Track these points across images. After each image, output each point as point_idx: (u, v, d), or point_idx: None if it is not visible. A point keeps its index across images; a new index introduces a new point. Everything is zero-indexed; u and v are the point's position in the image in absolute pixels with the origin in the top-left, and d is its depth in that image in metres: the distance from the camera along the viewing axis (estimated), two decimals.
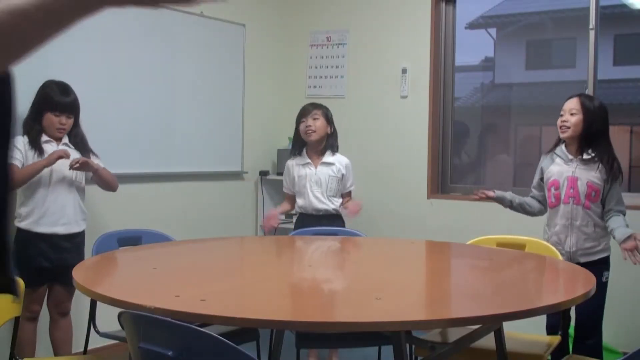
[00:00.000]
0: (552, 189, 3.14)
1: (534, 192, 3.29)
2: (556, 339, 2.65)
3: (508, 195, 3.30)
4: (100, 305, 2.28)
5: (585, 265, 2.96)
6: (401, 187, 4.57)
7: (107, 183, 3.31)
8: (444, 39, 4.54)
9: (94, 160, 3.23)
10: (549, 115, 3.38)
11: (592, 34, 3.95)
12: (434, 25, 4.46)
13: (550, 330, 3.06)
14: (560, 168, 3.12)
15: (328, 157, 3.67)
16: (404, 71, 4.55)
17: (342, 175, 3.67)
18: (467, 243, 2.95)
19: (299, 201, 3.68)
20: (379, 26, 4.68)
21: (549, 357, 2.62)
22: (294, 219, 4.83)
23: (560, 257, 2.69)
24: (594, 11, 3.95)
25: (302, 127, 3.64)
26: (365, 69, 4.76)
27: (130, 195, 3.96)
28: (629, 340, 3.67)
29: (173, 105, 4.20)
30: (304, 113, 3.66)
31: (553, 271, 2.45)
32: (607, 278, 3.04)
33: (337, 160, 3.69)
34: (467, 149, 4.84)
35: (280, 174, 4.88)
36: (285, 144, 4.89)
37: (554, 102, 3.34)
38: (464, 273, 2.50)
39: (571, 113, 3.10)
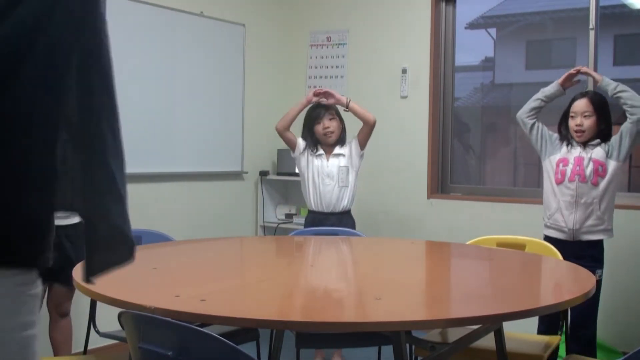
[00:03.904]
0: (560, 165, 3.16)
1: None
2: (556, 339, 2.65)
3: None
4: (100, 305, 2.28)
5: (587, 244, 3.06)
6: (401, 187, 4.57)
7: None
8: (444, 39, 4.54)
9: None
10: (549, 115, 3.38)
11: (592, 34, 3.95)
12: (434, 25, 4.46)
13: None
14: (567, 150, 3.20)
15: (338, 149, 3.70)
16: (404, 71, 4.55)
17: (351, 158, 3.69)
18: (467, 243, 2.95)
19: (311, 195, 3.69)
20: (379, 26, 4.68)
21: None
22: (294, 219, 4.85)
23: (560, 258, 2.69)
24: (594, 11, 3.95)
25: (319, 128, 3.66)
26: (365, 69, 4.76)
27: (130, 195, 3.93)
28: (628, 340, 3.67)
29: (173, 105, 4.20)
30: (318, 115, 3.67)
31: (553, 271, 2.45)
32: (600, 276, 3.05)
33: (345, 151, 3.71)
34: (467, 149, 4.84)
35: (280, 174, 4.89)
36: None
37: (554, 102, 3.33)
38: (464, 273, 2.50)
39: (584, 115, 3.10)
